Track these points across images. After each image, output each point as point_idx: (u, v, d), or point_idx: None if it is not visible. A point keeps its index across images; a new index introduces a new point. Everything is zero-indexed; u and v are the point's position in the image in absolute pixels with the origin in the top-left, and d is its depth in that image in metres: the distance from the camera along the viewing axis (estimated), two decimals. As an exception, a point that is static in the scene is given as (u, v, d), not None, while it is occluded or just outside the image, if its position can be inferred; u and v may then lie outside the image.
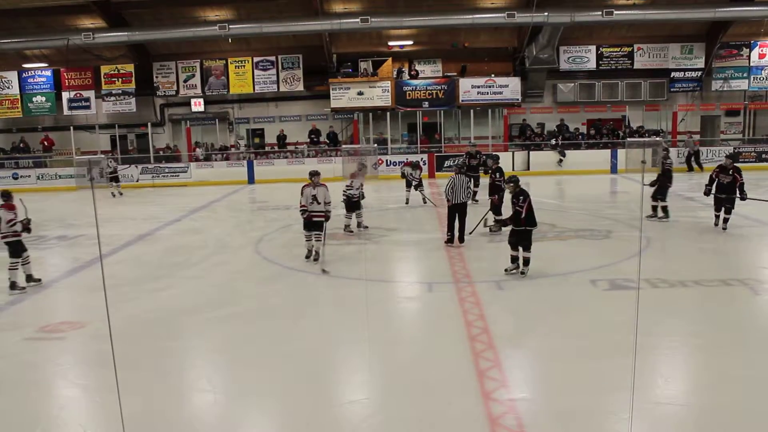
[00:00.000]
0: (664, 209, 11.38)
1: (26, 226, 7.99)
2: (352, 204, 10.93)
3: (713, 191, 10.42)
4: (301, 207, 8.81)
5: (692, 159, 20.34)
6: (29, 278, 8.15)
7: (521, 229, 7.77)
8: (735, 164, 10.37)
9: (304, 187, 8.82)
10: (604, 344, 5.61)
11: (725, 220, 10.30)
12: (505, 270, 7.95)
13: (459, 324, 6.26)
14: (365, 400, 4.80)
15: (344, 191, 10.89)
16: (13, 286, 7.91)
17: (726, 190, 10.21)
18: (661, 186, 11.31)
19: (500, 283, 7.62)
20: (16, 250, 7.98)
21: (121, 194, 18.59)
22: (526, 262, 7.85)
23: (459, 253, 9.16)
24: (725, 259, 8.78)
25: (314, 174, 8.98)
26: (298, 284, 8.15)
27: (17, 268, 7.96)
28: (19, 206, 7.97)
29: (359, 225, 11.02)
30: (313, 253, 8.91)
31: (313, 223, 8.77)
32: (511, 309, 6.96)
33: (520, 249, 7.84)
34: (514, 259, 7.92)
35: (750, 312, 6.72)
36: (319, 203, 8.71)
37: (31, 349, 6.03)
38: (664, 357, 5.36)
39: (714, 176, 10.38)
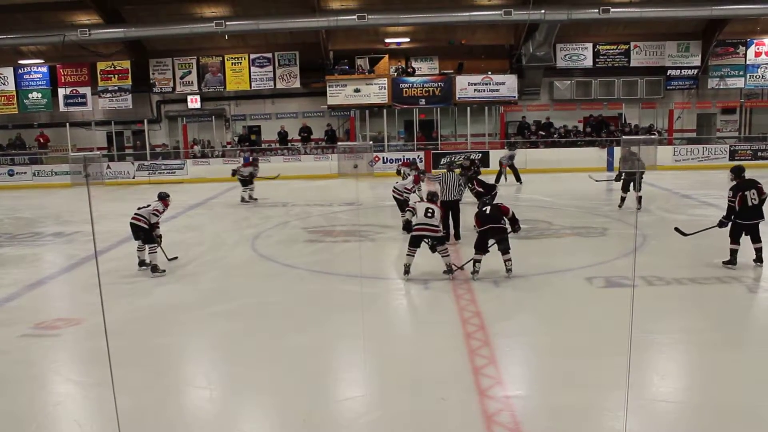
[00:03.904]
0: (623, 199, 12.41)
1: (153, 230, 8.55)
2: (405, 204, 11.02)
3: (734, 218, 7.89)
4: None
5: (504, 172, 17.48)
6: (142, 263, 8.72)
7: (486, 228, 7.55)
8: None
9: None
10: (600, 341, 5.63)
11: (759, 251, 7.91)
12: (471, 274, 7.66)
13: (455, 321, 6.27)
14: (361, 397, 4.80)
15: (403, 194, 11.07)
16: (154, 269, 8.49)
17: (755, 213, 7.80)
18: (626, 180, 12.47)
19: (496, 280, 7.62)
20: (147, 237, 8.54)
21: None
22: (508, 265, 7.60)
23: (455, 250, 9.14)
24: (721, 256, 8.79)
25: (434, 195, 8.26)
26: (295, 281, 8.16)
27: (156, 252, 8.51)
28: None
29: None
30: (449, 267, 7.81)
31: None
32: (506, 306, 6.98)
33: (500, 253, 7.59)
34: (476, 262, 7.64)
35: (745, 309, 6.75)
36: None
37: (27, 345, 6.01)
38: (659, 354, 5.38)
39: (740, 199, 7.76)
